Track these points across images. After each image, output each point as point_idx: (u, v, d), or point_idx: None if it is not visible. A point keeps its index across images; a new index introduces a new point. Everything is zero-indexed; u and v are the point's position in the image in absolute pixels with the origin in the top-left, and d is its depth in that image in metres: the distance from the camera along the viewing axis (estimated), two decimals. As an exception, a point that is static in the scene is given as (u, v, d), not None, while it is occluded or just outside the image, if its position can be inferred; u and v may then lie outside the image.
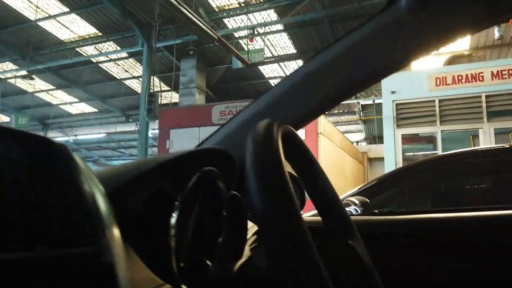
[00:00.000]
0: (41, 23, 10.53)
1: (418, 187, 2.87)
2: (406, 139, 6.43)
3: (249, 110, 0.86)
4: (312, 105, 0.81)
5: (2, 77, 13.39)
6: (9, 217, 0.30)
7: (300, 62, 11.89)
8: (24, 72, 12.11)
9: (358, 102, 12.22)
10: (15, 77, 13.11)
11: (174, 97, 12.74)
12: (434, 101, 6.18)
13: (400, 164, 6.09)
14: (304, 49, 10.96)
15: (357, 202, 2.23)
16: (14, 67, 12.62)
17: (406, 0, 0.66)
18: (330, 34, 10.08)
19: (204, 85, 11.05)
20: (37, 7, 9.76)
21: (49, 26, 10.73)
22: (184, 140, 8.76)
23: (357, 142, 13.36)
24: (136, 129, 14.94)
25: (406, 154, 6.34)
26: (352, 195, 2.64)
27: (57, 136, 18.63)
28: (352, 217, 0.84)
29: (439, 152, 6.03)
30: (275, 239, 0.37)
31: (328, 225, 0.64)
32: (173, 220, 0.53)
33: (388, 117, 6.40)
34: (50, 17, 10.24)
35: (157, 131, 11.65)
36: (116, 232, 0.36)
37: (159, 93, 8.79)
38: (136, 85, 13.82)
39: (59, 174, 0.34)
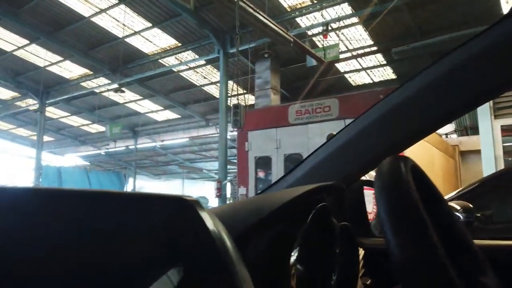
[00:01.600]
0: (128, 39, 11.47)
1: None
2: (506, 130, 5.77)
3: (339, 139, 0.81)
4: (410, 131, 0.74)
5: (98, 91, 14.86)
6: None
7: (379, 56, 11.37)
8: (115, 86, 13.32)
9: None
10: (108, 90, 14.48)
11: (250, 99, 13.01)
12: (539, 86, 5.44)
13: (501, 159, 5.48)
14: (381, 40, 10.44)
15: (458, 207, 2.03)
16: (107, 81, 13.93)
17: None
18: (410, 21, 9.47)
19: (278, 85, 11.10)
20: (124, 25, 10.65)
21: (134, 41, 11.65)
22: (262, 142, 8.87)
23: (446, 134, 12.38)
24: (216, 132, 15.57)
25: (507, 147, 5.69)
26: (451, 199, 2.43)
27: (146, 142, 20.17)
28: (480, 242, 0.75)
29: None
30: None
31: (457, 262, 0.57)
32: (292, 259, 0.52)
33: (483, 107, 5.79)
34: (135, 33, 11.11)
35: (235, 134, 12.00)
36: (247, 277, 0.35)
37: (236, 97, 9.01)
38: (214, 90, 14.39)
39: (193, 227, 0.34)
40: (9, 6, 10.16)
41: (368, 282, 0.76)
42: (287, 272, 0.51)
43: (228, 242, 0.35)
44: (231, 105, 8.38)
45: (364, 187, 1.17)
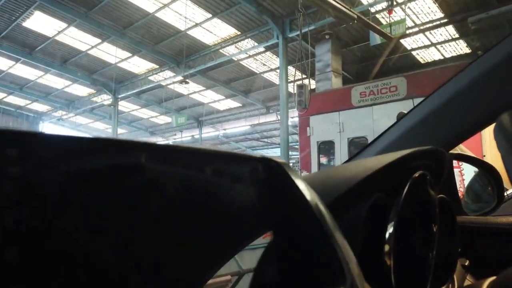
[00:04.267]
0: (190, 32, 11.79)
1: None
2: None
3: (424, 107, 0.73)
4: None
5: (164, 84, 15.54)
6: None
7: (449, 28, 10.51)
8: (180, 78, 13.82)
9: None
10: (173, 82, 15.07)
11: (310, 83, 12.78)
12: None
13: None
14: (453, 11, 9.61)
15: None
16: (172, 74, 14.50)
17: None
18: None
19: (340, 68, 10.75)
20: (185, 18, 10.95)
21: (196, 33, 11.94)
22: (324, 126, 8.70)
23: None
24: (276, 119, 15.57)
25: None
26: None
27: (210, 131, 20.81)
28: None
29: None
30: None
31: None
32: (387, 234, 0.47)
33: None
34: (196, 25, 11.37)
35: (296, 119, 11.89)
36: (349, 249, 0.31)
37: (301, 80, 8.88)
38: (273, 77, 14.35)
39: (285, 191, 0.31)
40: (79, 7, 10.91)
41: (466, 264, 0.69)
42: (382, 247, 0.47)
43: (325, 210, 0.31)
44: (295, 85, 8.26)
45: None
